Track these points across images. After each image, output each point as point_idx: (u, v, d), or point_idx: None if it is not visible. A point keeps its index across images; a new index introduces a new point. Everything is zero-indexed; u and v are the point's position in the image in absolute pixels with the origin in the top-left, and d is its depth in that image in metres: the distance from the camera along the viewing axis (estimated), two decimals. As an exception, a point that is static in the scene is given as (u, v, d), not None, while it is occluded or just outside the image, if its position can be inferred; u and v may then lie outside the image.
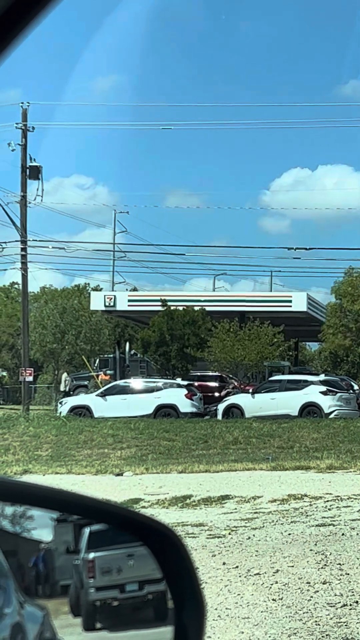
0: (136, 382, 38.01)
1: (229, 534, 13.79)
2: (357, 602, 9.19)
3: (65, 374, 46.73)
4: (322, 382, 35.62)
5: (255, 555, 11.78)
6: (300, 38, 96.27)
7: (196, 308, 46.05)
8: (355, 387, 41.28)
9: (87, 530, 2.35)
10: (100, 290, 63.99)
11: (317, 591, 9.69)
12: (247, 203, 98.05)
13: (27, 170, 42.63)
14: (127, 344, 55.07)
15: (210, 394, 39.99)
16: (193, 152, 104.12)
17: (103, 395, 36.61)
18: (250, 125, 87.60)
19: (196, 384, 39.82)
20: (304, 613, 8.83)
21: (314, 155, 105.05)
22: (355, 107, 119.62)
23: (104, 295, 52.94)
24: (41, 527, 2.30)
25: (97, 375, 47.95)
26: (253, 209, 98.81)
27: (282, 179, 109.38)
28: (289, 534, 13.42)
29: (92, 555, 2.36)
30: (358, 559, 11.29)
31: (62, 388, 44.29)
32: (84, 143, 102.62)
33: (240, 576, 10.57)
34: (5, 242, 44.46)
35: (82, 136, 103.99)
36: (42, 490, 2.26)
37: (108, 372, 49.89)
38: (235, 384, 43.02)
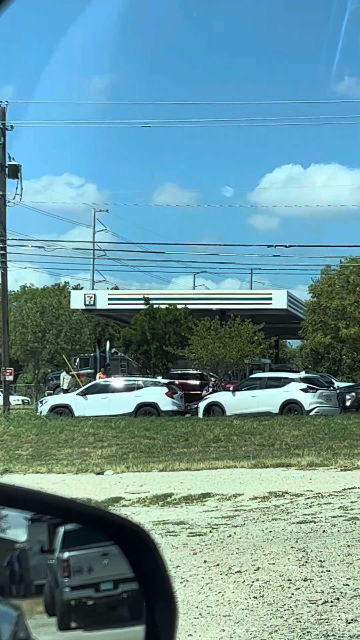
0: (117, 381, 37.97)
1: (210, 531, 13.78)
2: (338, 599, 9.20)
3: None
4: (303, 380, 35.69)
5: (236, 553, 11.78)
6: (293, 34, 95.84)
7: (179, 306, 46.04)
8: (336, 384, 41.37)
9: (61, 530, 2.34)
10: (81, 289, 63.90)
11: (298, 588, 9.69)
12: (238, 201, 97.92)
13: (6, 169, 42.51)
14: (108, 343, 55.06)
15: (191, 392, 40.01)
16: (184, 149, 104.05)
17: (84, 394, 36.55)
18: (239, 122, 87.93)
19: (177, 382, 39.83)
20: (285, 610, 8.84)
21: (307, 153, 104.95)
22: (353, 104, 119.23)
23: (84, 294, 52.85)
24: (15, 527, 2.28)
25: (80, 375, 47.87)
26: (233, 206, 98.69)
27: (273, 175, 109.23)
28: (270, 532, 13.42)
29: (66, 554, 2.34)
30: (339, 555, 11.30)
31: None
32: (77, 141, 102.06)
33: (221, 574, 10.56)
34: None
35: (74, 134, 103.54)
36: (15, 491, 2.25)
37: (87, 370, 49.80)
38: (214, 381, 43.01)
